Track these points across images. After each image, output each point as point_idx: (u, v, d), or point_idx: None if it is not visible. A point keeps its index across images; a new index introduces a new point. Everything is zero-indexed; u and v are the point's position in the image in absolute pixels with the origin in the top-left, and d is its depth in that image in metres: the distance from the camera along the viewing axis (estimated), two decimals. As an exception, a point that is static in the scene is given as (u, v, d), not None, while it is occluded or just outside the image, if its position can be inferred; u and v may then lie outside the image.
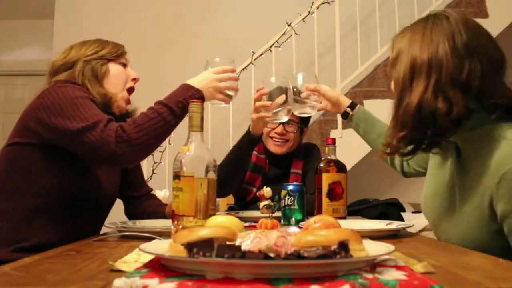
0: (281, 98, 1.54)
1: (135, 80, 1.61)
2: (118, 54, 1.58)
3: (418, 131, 1.07)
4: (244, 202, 2.16)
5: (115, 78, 1.55)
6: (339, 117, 3.78)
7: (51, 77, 1.51)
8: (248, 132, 1.89)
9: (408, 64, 1.09)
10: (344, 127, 3.80)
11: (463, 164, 1.15)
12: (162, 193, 2.47)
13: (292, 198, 1.44)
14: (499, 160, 1.03)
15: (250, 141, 1.89)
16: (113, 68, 1.55)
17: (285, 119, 1.59)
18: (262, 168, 2.16)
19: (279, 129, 2.11)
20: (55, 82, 1.45)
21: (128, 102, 1.60)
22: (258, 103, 1.66)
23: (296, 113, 1.55)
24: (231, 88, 1.48)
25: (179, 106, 1.34)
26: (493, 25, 4.00)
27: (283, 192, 1.47)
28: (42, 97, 1.35)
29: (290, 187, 1.46)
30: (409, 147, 1.11)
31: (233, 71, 1.50)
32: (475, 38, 1.09)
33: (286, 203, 1.45)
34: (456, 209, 1.16)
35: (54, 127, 1.30)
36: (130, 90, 1.60)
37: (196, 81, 1.41)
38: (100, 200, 1.51)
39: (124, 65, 1.60)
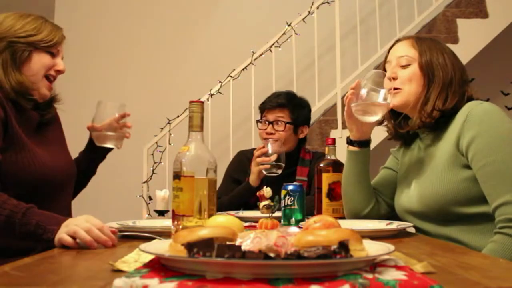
0: (274, 157, 1.95)
1: (59, 72, 1.51)
2: (50, 44, 1.47)
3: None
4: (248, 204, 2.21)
5: (36, 66, 1.45)
6: (339, 117, 3.79)
7: None
8: (248, 183, 2.16)
9: (449, 68, 1.40)
10: (344, 127, 3.79)
11: (434, 137, 1.42)
12: (162, 193, 2.47)
13: (292, 198, 1.44)
14: (464, 111, 1.33)
15: (250, 191, 2.14)
16: (37, 56, 1.45)
17: (278, 171, 1.97)
18: None
19: (268, 128, 2.24)
20: None
21: (50, 89, 1.51)
22: (258, 159, 2.01)
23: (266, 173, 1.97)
24: (82, 241, 1.08)
25: (25, 228, 1.14)
26: (493, 25, 4.00)
27: (283, 192, 1.47)
28: None
29: (290, 187, 1.46)
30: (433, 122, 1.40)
31: (110, 243, 1.09)
32: None
33: (286, 203, 1.45)
34: (428, 171, 1.38)
35: None
36: (50, 78, 1.50)
37: (72, 220, 1.14)
38: (52, 179, 1.44)
39: (53, 55, 1.49)
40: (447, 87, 1.38)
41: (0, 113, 1.35)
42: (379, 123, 1.57)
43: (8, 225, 1.15)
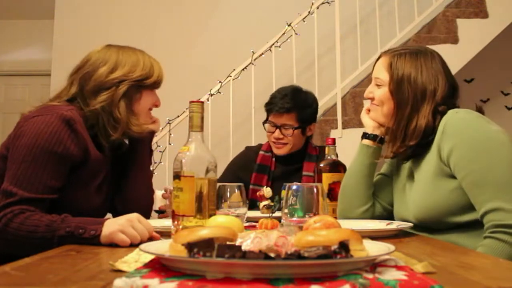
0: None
1: (156, 106, 1.55)
2: (159, 85, 1.52)
3: (422, 140, 1.37)
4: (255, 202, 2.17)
5: (145, 104, 1.49)
6: (339, 117, 3.79)
7: (92, 96, 1.39)
8: None
9: (420, 90, 1.38)
10: (344, 127, 3.79)
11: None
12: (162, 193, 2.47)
13: (295, 198, 1.44)
14: (442, 122, 1.33)
15: None
16: (146, 95, 1.48)
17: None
18: (268, 167, 2.23)
19: (276, 133, 2.17)
20: (46, 109, 1.32)
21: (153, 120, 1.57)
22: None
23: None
24: (133, 239, 1.10)
25: (67, 230, 1.14)
26: (493, 25, 4.00)
27: (284, 192, 1.46)
28: (20, 127, 1.29)
29: (294, 187, 1.45)
30: (408, 151, 1.40)
31: (156, 238, 1.15)
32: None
33: (289, 203, 1.44)
34: (418, 182, 1.39)
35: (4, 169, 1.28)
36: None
37: (112, 220, 1.15)
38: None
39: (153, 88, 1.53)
40: (415, 112, 1.37)
41: (77, 153, 1.31)
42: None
43: (48, 232, 1.14)
